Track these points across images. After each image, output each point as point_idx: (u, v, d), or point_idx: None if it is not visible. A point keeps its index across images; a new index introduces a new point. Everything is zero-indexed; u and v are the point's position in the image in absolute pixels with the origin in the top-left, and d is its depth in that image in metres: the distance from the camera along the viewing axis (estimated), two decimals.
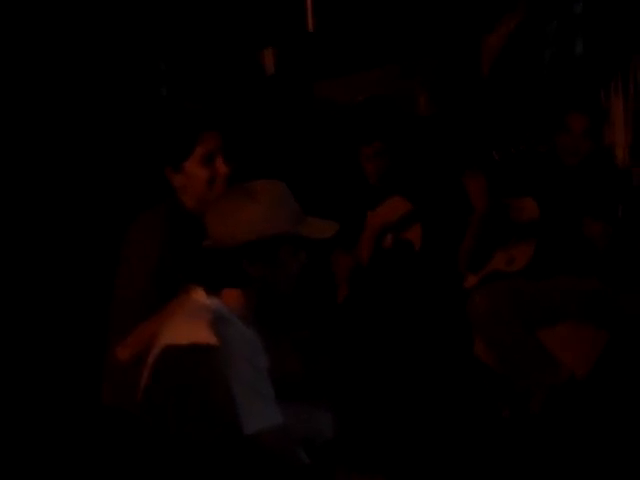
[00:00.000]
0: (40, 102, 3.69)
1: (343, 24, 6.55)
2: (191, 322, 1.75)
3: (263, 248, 1.76)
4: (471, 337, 3.08)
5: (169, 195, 2.41)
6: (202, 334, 1.69)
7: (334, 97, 5.40)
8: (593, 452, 2.69)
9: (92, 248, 3.43)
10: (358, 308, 3.05)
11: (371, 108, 3.28)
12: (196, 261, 1.80)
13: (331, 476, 1.90)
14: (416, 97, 6.53)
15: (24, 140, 3.61)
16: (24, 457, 2.67)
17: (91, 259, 3.37)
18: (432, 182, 3.31)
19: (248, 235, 1.74)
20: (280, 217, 1.77)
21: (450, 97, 6.36)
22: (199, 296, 1.81)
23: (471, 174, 3.06)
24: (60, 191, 3.64)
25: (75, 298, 3.30)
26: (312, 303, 2.94)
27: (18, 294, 3.33)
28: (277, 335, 2.41)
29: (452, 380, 2.93)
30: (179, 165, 2.28)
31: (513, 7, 5.10)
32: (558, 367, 3.02)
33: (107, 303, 2.34)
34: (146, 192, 2.99)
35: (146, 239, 2.31)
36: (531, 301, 3.03)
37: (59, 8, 3.84)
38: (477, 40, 7.00)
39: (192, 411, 1.68)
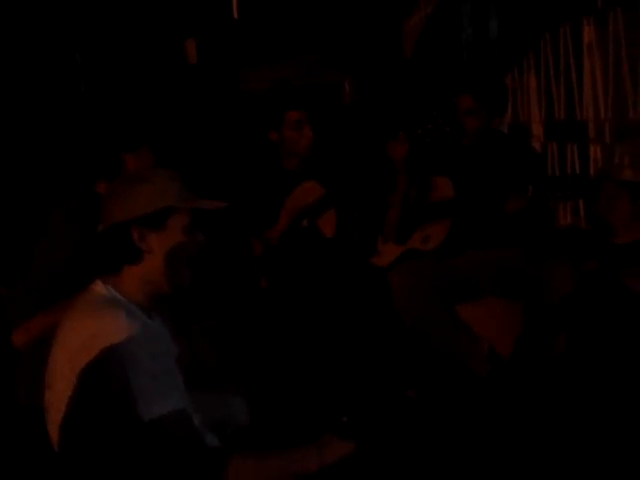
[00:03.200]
0: None
1: (266, 12, 6.56)
2: (88, 313, 1.76)
3: (150, 219, 1.79)
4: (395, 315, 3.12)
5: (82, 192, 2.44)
6: (98, 326, 1.70)
7: (258, 86, 5.41)
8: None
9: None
10: (270, 293, 3.07)
11: (277, 93, 3.29)
12: (92, 246, 1.82)
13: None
14: (341, 84, 6.60)
15: None
16: None
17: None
18: (346, 165, 3.36)
19: (136, 210, 1.79)
20: (168, 192, 1.82)
21: (374, 82, 6.43)
22: (98, 287, 1.82)
23: (395, 141, 3.14)
24: None
25: None
26: (225, 291, 2.96)
27: None
28: (188, 324, 2.43)
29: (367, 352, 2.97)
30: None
31: None
32: (477, 341, 3.09)
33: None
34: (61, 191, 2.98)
35: (59, 233, 2.36)
36: (446, 278, 3.10)
37: None
38: (397, 24, 7.07)
39: (92, 404, 1.68)
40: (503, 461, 2.40)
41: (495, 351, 3.12)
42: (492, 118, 3.25)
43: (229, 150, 4.55)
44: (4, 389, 2.46)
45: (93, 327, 1.71)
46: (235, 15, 6.88)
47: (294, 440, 1.86)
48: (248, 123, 3.95)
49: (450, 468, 2.27)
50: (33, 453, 2.14)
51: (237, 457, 1.72)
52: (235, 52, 6.27)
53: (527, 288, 3.07)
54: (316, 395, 2.53)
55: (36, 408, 2.03)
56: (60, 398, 1.73)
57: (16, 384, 2.44)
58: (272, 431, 2.05)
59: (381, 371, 2.91)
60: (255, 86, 5.48)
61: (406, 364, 3.02)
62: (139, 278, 1.81)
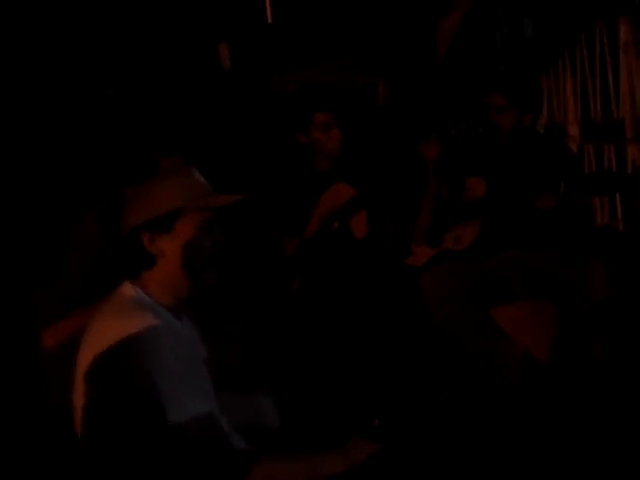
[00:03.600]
0: None
1: (300, 16, 6.56)
2: (114, 315, 1.75)
3: (159, 222, 1.78)
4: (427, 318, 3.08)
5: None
6: (125, 327, 1.69)
7: (291, 90, 5.40)
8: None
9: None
10: (302, 295, 3.04)
11: (305, 96, 3.27)
12: (115, 253, 1.82)
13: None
14: (375, 87, 6.57)
15: None
16: None
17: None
18: (378, 167, 3.33)
19: (145, 214, 1.78)
20: (177, 193, 1.79)
21: (408, 85, 6.38)
22: (125, 289, 1.81)
23: (427, 143, 3.10)
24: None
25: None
26: (255, 292, 2.94)
27: None
28: (216, 326, 2.41)
29: (403, 358, 2.94)
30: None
31: None
32: (512, 345, 3.04)
33: None
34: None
35: (89, 236, 2.37)
36: (478, 279, 3.06)
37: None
38: (431, 26, 7.02)
39: (112, 397, 1.67)
40: (535, 468, 2.35)
41: (530, 355, 3.07)
42: (524, 116, 3.21)
43: (260, 152, 4.53)
44: (31, 389, 2.48)
45: (118, 327, 1.71)
46: (269, 19, 6.89)
47: (323, 443, 1.84)
48: (278, 125, 3.94)
49: (479, 473, 2.23)
50: (65, 453, 2.15)
51: (264, 460, 1.70)
52: (269, 56, 6.27)
53: (562, 290, 3.02)
54: (346, 398, 2.50)
55: (68, 409, 2.04)
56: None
57: (48, 385, 2.45)
58: (302, 434, 2.03)
59: (413, 375, 2.88)
60: (288, 89, 5.47)
61: (438, 368, 2.98)
62: (159, 282, 1.80)
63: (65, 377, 2.19)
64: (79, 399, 1.75)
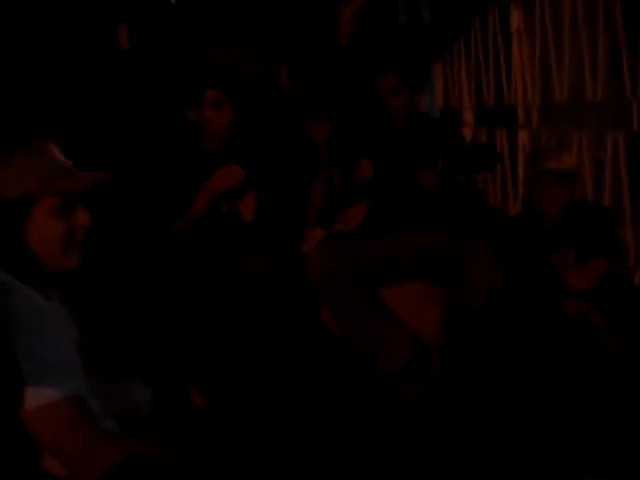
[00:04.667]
0: None
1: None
2: None
3: (14, 212, 1.68)
4: (314, 304, 3.07)
5: None
6: None
7: None
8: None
9: None
10: (184, 278, 2.98)
11: (197, 71, 3.19)
12: None
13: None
14: (278, 72, 6.53)
15: None
16: None
17: None
18: (268, 148, 3.29)
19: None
20: (23, 178, 1.68)
21: (311, 71, 6.37)
22: None
23: (317, 122, 3.07)
24: None
25: None
26: (134, 274, 2.87)
27: None
28: (93, 309, 2.34)
29: (294, 347, 2.91)
30: None
31: None
32: (400, 325, 3.05)
33: None
34: None
35: None
36: (366, 260, 3.07)
37: None
38: (333, 12, 7.02)
39: None
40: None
41: (419, 337, 3.09)
42: (415, 97, 3.25)
43: (149, 131, 4.44)
44: None
45: None
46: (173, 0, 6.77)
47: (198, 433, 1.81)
48: (171, 103, 3.84)
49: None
50: None
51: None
52: (170, 38, 6.16)
53: (450, 271, 3.05)
54: (222, 381, 2.47)
55: None
56: None
57: None
58: (177, 420, 1.99)
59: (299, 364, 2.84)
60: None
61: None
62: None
63: None
64: None
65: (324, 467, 2.16)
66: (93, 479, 1.61)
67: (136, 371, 2.11)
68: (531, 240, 3.06)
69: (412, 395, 2.88)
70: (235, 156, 3.13)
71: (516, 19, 4.27)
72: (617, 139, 3.48)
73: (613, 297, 2.91)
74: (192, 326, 2.73)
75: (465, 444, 2.44)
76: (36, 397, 1.59)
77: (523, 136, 4.26)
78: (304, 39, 6.40)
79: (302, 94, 6.13)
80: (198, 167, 3.09)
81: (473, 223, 3.22)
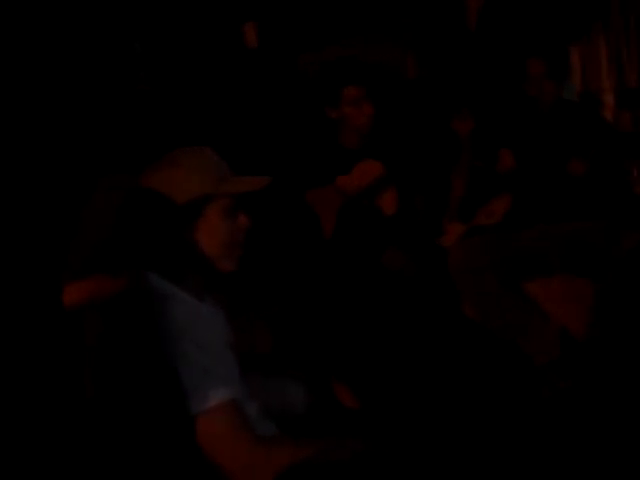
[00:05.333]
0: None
1: None
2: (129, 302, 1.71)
3: (187, 209, 1.72)
4: (457, 297, 3.01)
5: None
6: (139, 315, 1.65)
7: (318, 68, 5.32)
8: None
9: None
10: (331, 278, 2.97)
11: (335, 69, 3.17)
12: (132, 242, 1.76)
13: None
14: (404, 61, 6.46)
15: None
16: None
17: None
18: (408, 143, 3.24)
19: (175, 199, 1.71)
20: (204, 177, 1.73)
21: (439, 57, 6.26)
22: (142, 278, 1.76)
23: (461, 117, 3.03)
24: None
25: None
26: (284, 276, 2.88)
27: None
28: (246, 310, 2.37)
29: (440, 342, 2.86)
30: None
31: None
32: (547, 321, 2.96)
33: None
34: None
35: (104, 201, 2.35)
36: (510, 253, 2.97)
37: None
38: None
39: (138, 398, 1.63)
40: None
41: (568, 332, 2.98)
42: (560, 82, 3.13)
43: (286, 131, 4.46)
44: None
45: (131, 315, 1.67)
46: None
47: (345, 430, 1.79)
48: (305, 102, 3.85)
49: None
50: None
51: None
52: (295, 34, 6.19)
53: (602, 264, 2.93)
54: (370, 385, 2.44)
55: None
56: None
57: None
58: (330, 420, 1.98)
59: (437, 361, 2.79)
60: (314, 68, 5.39)
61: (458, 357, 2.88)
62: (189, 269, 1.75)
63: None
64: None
65: (474, 464, 2.11)
66: None
67: (289, 371, 2.12)
68: None
69: (561, 389, 2.79)
70: (374, 151, 3.10)
71: None
72: None
73: None
74: (341, 324, 2.73)
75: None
76: (197, 405, 1.62)
77: None
78: (430, 24, 6.30)
79: (432, 83, 6.04)
80: (336, 164, 3.08)
81: (623, 212, 3.08)
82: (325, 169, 3.08)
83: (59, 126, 3.69)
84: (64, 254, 2.48)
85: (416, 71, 6.45)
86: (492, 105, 3.03)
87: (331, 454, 1.62)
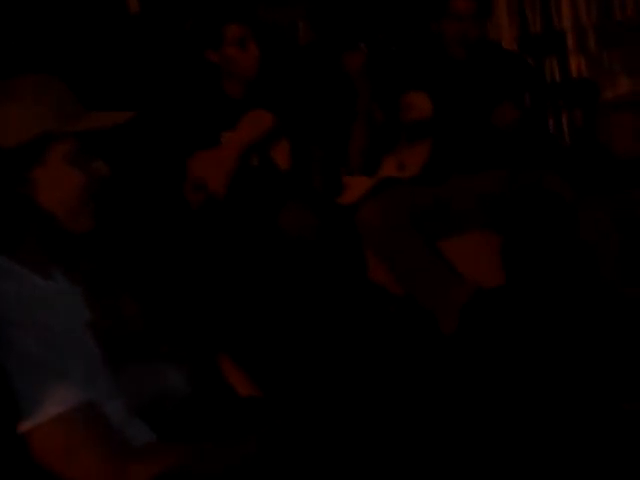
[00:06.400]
0: None
1: None
2: None
3: (19, 158, 1.36)
4: (362, 259, 2.73)
5: None
6: None
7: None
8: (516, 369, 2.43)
9: None
10: (214, 248, 2.61)
11: (214, 7, 2.82)
12: None
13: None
14: (296, 25, 6.18)
15: None
16: None
17: None
18: (298, 89, 2.91)
19: (7, 140, 1.35)
20: (34, 114, 1.37)
21: (330, 23, 6.01)
22: None
23: (351, 52, 2.77)
24: None
25: None
26: (155, 246, 2.51)
27: None
28: (109, 282, 1.99)
29: (344, 308, 2.58)
30: None
31: None
32: (462, 281, 2.71)
33: None
34: None
35: None
36: (429, 209, 2.71)
37: None
38: None
39: None
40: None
41: (482, 291, 2.72)
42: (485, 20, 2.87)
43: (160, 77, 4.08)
44: None
45: None
46: None
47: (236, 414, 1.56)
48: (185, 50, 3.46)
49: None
50: None
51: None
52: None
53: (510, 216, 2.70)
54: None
55: None
56: None
57: None
58: (219, 408, 1.65)
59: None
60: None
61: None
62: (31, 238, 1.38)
63: None
64: None
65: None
66: None
67: (166, 351, 1.77)
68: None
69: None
70: (261, 100, 2.76)
71: None
72: None
73: None
74: (227, 294, 2.39)
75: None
76: (35, 411, 1.24)
77: (578, 62, 3.86)
78: None
79: (324, 46, 5.74)
80: (220, 116, 2.71)
81: (546, 159, 2.84)
82: (207, 121, 2.71)
83: None
84: None
85: (307, 35, 6.17)
86: (394, 42, 2.72)
87: (213, 461, 1.29)
